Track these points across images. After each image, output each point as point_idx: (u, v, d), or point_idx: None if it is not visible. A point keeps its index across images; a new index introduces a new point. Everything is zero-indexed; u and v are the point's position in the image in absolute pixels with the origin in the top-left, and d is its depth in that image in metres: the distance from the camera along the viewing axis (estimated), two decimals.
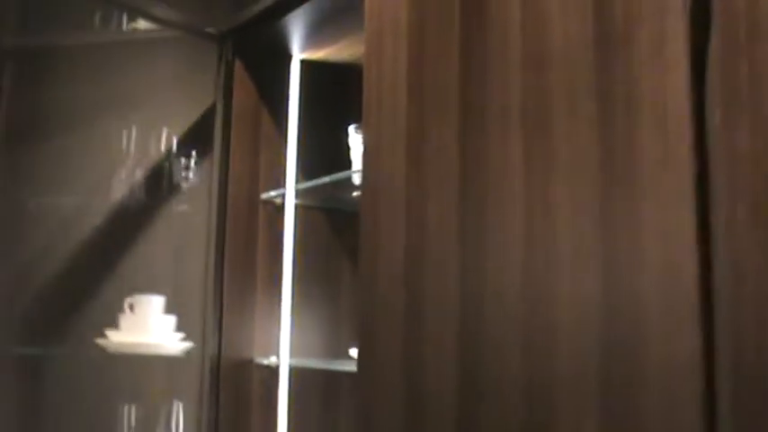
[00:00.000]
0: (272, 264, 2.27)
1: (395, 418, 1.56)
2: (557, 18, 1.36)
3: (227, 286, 2.20)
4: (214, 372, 2.17)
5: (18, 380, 2.06)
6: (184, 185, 2.28)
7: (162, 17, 2.20)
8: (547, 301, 1.31)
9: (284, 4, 2.17)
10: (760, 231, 1.07)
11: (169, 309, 2.19)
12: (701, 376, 1.12)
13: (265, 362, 2.23)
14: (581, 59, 1.30)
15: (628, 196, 1.21)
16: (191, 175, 2.26)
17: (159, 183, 2.27)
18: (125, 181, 2.24)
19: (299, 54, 2.38)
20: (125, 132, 2.25)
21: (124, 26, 2.30)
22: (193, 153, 2.30)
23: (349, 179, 2.12)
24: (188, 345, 2.19)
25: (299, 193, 2.29)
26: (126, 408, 2.20)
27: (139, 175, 2.25)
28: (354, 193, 2.17)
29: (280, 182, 2.31)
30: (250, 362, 2.23)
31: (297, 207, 2.32)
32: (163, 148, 2.28)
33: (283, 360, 2.24)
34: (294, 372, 2.25)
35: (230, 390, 2.19)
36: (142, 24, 2.27)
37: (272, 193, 2.29)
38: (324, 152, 2.34)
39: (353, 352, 2.01)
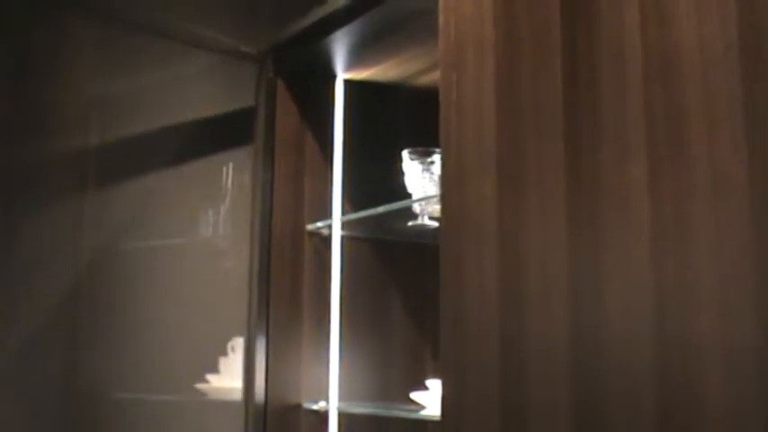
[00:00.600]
0: (319, 300, 2.10)
1: None
2: (687, 19, 1.18)
3: (272, 325, 2.02)
4: (260, 418, 1.97)
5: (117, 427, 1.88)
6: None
7: (199, 41, 2.02)
8: (686, 349, 1.13)
9: (328, 22, 2.02)
10: None
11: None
12: None
13: (314, 407, 2.05)
14: (720, 66, 1.14)
15: None
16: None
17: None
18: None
19: (342, 74, 2.20)
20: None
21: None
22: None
23: (405, 208, 1.94)
24: None
25: (347, 224, 2.11)
26: None
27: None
28: (410, 223, 2.00)
29: (326, 211, 2.13)
30: (298, 406, 2.04)
31: (344, 238, 2.14)
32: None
33: (332, 404, 2.06)
34: (343, 417, 2.07)
35: None
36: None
37: (319, 224, 2.11)
38: (372, 179, 2.18)
39: (416, 395, 1.84)
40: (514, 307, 1.38)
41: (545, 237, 1.34)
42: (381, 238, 2.17)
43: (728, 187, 1.12)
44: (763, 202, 1.08)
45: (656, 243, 1.19)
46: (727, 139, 1.12)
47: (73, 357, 1.91)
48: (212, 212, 2.12)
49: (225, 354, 2.03)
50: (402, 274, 2.18)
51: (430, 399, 1.83)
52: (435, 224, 2.00)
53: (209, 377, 2.04)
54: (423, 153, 2.02)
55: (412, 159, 2.03)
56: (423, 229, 2.03)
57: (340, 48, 2.10)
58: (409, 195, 2.02)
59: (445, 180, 1.54)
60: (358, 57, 2.14)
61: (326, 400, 2.07)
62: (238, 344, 2.00)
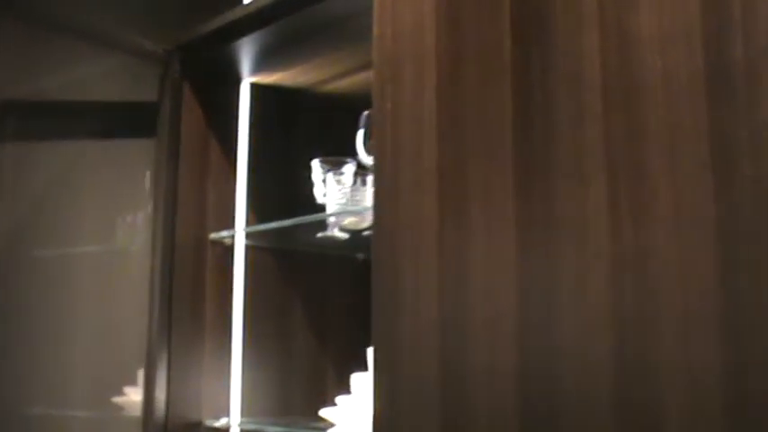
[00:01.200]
0: (222, 312, 2.02)
1: None
2: (650, 45, 1.18)
3: (174, 338, 1.92)
4: None
5: None
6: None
7: (102, 37, 1.91)
8: (646, 377, 1.13)
9: (238, 25, 1.94)
10: None
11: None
12: None
13: (216, 424, 1.97)
14: (685, 95, 1.14)
15: (753, 253, 1.05)
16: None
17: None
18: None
19: (249, 77, 2.13)
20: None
21: None
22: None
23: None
24: None
25: (252, 234, 2.04)
26: None
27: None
28: (319, 234, 1.95)
29: (231, 220, 2.05)
30: (199, 424, 1.96)
31: (248, 248, 2.06)
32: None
33: (234, 421, 1.98)
34: None
35: None
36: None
37: (223, 234, 2.02)
38: (279, 187, 2.11)
39: (326, 412, 1.79)
40: (456, 330, 1.35)
41: (491, 259, 1.31)
42: (288, 249, 2.11)
43: (692, 216, 1.12)
44: (727, 231, 1.09)
45: (614, 270, 1.18)
46: (691, 168, 1.12)
47: None
48: (115, 219, 2.01)
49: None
50: (307, 285, 2.12)
51: (340, 416, 1.78)
52: (345, 236, 1.96)
53: (127, 390, 1.93)
54: (334, 163, 1.97)
55: (323, 169, 1.98)
56: (332, 241, 1.97)
57: (249, 51, 2.03)
58: (317, 205, 1.96)
59: (379, 195, 1.50)
60: (267, 61, 2.07)
61: (228, 416, 1.99)
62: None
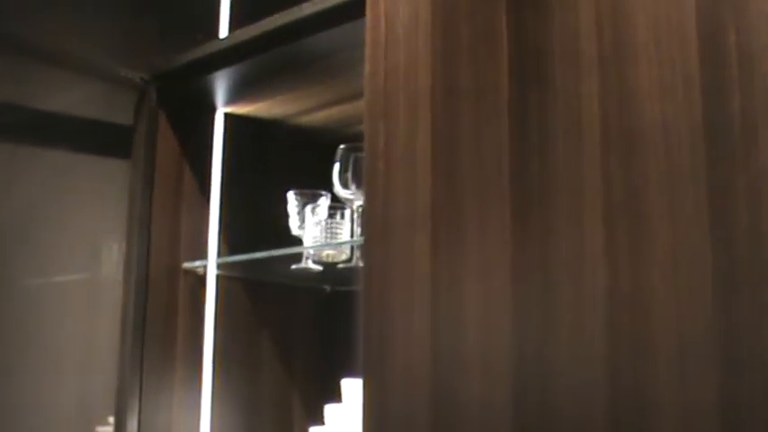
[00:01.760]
0: (193, 342, 2.01)
1: None
2: (650, 96, 1.23)
3: (146, 368, 1.91)
4: None
5: None
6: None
7: (77, 62, 1.90)
8: (642, 416, 1.17)
9: (216, 58, 1.95)
10: None
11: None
12: None
13: None
14: (685, 145, 1.18)
15: (749, 297, 1.09)
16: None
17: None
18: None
19: (223, 107, 2.13)
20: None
21: None
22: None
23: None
24: None
25: (225, 264, 2.04)
26: None
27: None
28: (294, 266, 1.96)
29: (204, 250, 2.05)
30: None
31: (219, 278, 2.06)
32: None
33: None
34: None
35: None
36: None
37: (196, 263, 2.02)
38: (252, 217, 2.11)
39: None
40: (449, 366, 1.37)
41: (487, 295, 1.34)
42: (257, 279, 2.11)
43: (689, 259, 1.16)
44: (723, 275, 1.13)
45: (611, 309, 1.21)
46: (688, 213, 1.17)
47: None
48: (86, 248, 1.98)
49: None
50: (275, 316, 2.13)
51: None
52: (319, 268, 1.97)
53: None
54: (309, 195, 1.99)
55: (298, 201, 1.99)
56: (304, 273, 1.98)
57: (224, 83, 2.04)
58: (289, 236, 1.97)
59: (369, 229, 1.52)
60: (242, 92, 2.08)
61: None
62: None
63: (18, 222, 1.88)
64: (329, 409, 1.87)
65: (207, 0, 2.14)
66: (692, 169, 1.17)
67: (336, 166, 1.91)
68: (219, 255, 2.07)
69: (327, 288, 2.25)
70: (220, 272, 2.06)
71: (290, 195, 1.99)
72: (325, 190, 1.94)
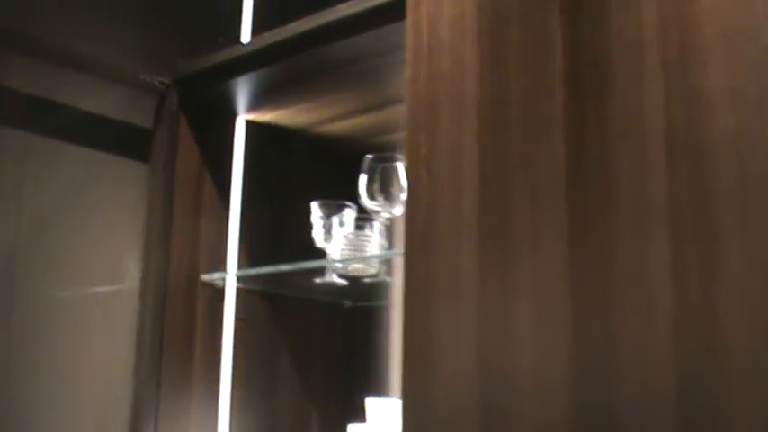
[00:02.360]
0: (211, 358, 1.93)
1: None
2: (720, 101, 1.16)
3: (163, 384, 1.83)
4: None
5: None
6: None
7: (95, 64, 1.83)
8: None
9: (238, 63, 1.88)
10: None
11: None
12: None
13: None
14: (759, 154, 1.12)
15: None
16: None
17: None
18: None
19: (244, 114, 2.06)
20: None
21: None
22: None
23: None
24: None
25: (244, 276, 1.96)
26: None
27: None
28: (317, 280, 1.88)
29: (223, 261, 1.97)
30: None
31: (238, 291, 1.99)
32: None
33: None
34: None
35: None
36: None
37: (215, 276, 1.94)
38: (271, 229, 2.04)
39: None
40: (498, 387, 1.30)
41: (540, 313, 1.27)
42: (277, 293, 2.04)
43: (764, 277, 1.09)
44: None
45: (679, 327, 1.15)
46: (763, 228, 1.10)
47: None
48: (103, 257, 1.91)
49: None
50: (294, 330, 2.06)
51: None
52: (345, 282, 1.90)
53: None
54: (335, 207, 1.92)
55: (323, 212, 1.92)
56: (329, 287, 1.91)
57: (246, 89, 1.98)
58: (311, 248, 1.90)
59: (410, 243, 1.45)
60: (264, 99, 2.02)
61: None
62: None
63: (33, 230, 1.80)
64: (353, 429, 1.80)
65: (230, 3, 2.07)
66: (767, 180, 1.10)
67: (363, 177, 1.85)
68: (239, 267, 1.99)
69: (348, 303, 2.17)
70: (240, 284, 1.98)
71: (315, 206, 1.92)
72: (349, 201, 1.87)
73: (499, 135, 1.37)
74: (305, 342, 2.08)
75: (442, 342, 1.36)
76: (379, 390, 2.00)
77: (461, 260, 1.36)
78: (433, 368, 1.37)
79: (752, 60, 1.14)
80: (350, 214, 1.90)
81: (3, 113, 1.73)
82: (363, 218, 1.88)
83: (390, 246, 1.86)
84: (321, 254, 1.89)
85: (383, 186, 1.84)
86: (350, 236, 1.85)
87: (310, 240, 1.90)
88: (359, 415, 1.81)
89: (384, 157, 1.85)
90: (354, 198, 1.84)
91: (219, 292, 1.97)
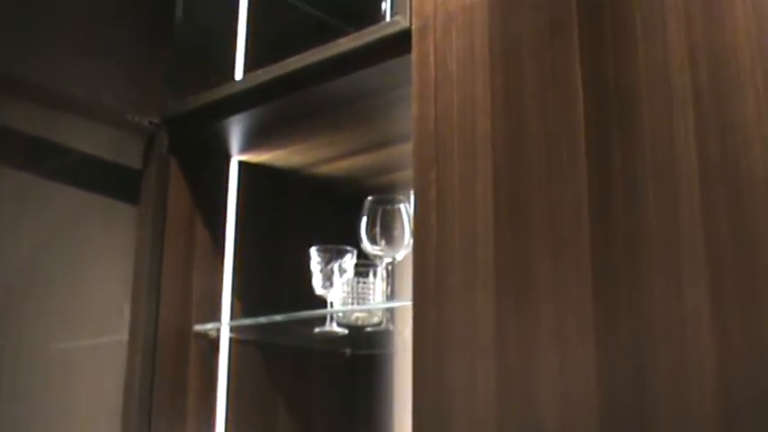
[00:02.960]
0: (205, 411, 1.81)
1: None
2: (759, 136, 1.07)
3: None
4: None
5: None
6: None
7: (82, 103, 1.73)
8: None
9: (231, 102, 1.78)
10: None
11: None
12: None
13: None
14: None
15: None
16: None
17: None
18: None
19: (238, 155, 1.96)
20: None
21: None
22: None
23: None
24: None
25: (240, 327, 1.85)
26: None
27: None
28: (317, 329, 1.78)
29: (216, 311, 1.86)
30: None
31: (232, 341, 1.88)
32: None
33: None
34: None
35: None
36: None
37: (208, 326, 1.83)
38: (266, 275, 1.94)
39: None
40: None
41: (564, 365, 1.18)
42: (273, 343, 1.93)
43: None
44: None
45: (722, 379, 1.05)
46: None
47: None
48: (91, 305, 1.80)
49: None
50: (292, 381, 1.95)
51: None
52: (345, 331, 1.79)
53: None
54: (334, 252, 1.82)
55: (321, 258, 1.82)
56: (330, 336, 1.81)
57: (240, 128, 1.88)
58: (312, 296, 1.79)
59: (419, 291, 1.35)
60: (258, 139, 1.92)
61: None
62: None
63: (19, 278, 1.70)
64: None
65: (222, 39, 1.98)
66: None
67: (363, 221, 1.75)
68: (233, 316, 1.88)
69: (347, 351, 2.06)
70: (234, 335, 1.87)
71: (313, 252, 1.81)
72: (347, 244, 1.77)
73: (516, 174, 1.27)
74: (303, 393, 1.97)
75: (457, 400, 1.26)
76: None
77: (477, 309, 1.27)
78: (449, 416, 1.26)
79: None
80: (350, 260, 1.80)
81: None
82: (365, 263, 1.78)
83: (392, 292, 1.76)
84: (320, 301, 1.79)
85: (385, 230, 1.75)
86: (352, 283, 1.74)
87: (308, 287, 1.79)
88: None
89: (385, 198, 1.76)
90: (353, 240, 1.74)
91: (213, 343, 1.86)
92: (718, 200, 1.09)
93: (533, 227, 1.24)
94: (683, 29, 1.16)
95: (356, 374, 2.05)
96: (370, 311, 1.72)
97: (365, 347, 2.03)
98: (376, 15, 1.90)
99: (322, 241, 1.83)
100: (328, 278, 1.80)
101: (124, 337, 1.76)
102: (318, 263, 1.82)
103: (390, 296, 1.78)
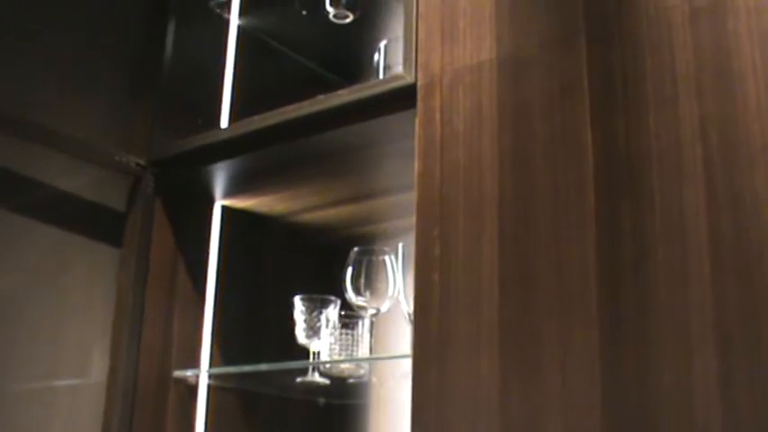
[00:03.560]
0: None
1: None
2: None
3: None
4: None
5: None
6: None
7: (68, 142, 1.71)
8: None
9: (216, 149, 1.78)
10: None
11: None
12: None
13: None
14: None
15: None
16: None
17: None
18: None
19: (221, 200, 1.95)
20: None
21: None
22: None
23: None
24: None
25: (220, 374, 1.83)
26: None
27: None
28: (299, 379, 1.76)
29: (196, 357, 1.84)
30: None
31: (210, 388, 1.85)
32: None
33: None
34: None
35: None
36: None
37: (188, 372, 1.81)
38: (248, 323, 1.92)
39: None
40: None
41: (572, 425, 1.17)
42: (254, 391, 1.90)
43: None
44: None
45: None
46: None
47: None
48: (70, 350, 1.76)
49: None
50: (268, 430, 1.91)
51: None
52: (327, 381, 1.78)
53: None
54: (319, 302, 1.81)
55: (305, 308, 1.80)
56: (312, 387, 1.79)
57: (224, 175, 1.88)
58: (293, 346, 1.78)
59: (420, 349, 1.35)
60: (242, 185, 1.91)
61: None
62: None
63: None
64: None
65: (208, 86, 1.97)
66: None
67: (349, 271, 1.75)
68: (212, 363, 1.85)
69: (322, 401, 2.05)
70: (212, 381, 1.85)
71: (297, 301, 1.80)
72: (329, 292, 1.76)
73: (522, 236, 1.28)
74: None
75: None
76: None
77: (480, 370, 1.26)
78: None
79: None
80: (334, 310, 1.79)
81: None
82: (350, 314, 1.78)
83: (373, 343, 1.75)
84: (301, 351, 1.77)
85: (369, 281, 1.75)
86: (336, 334, 1.73)
87: (288, 335, 1.78)
88: None
89: (371, 249, 1.76)
90: (334, 289, 1.73)
91: (192, 389, 1.83)
92: (728, 270, 1.11)
93: (540, 287, 1.25)
94: (694, 98, 1.18)
95: (331, 425, 2.03)
96: (358, 364, 1.71)
97: (339, 397, 2.02)
98: (368, 68, 1.91)
99: (303, 287, 1.82)
100: (312, 328, 1.79)
101: (103, 379, 1.72)
102: (302, 312, 1.81)
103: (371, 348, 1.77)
